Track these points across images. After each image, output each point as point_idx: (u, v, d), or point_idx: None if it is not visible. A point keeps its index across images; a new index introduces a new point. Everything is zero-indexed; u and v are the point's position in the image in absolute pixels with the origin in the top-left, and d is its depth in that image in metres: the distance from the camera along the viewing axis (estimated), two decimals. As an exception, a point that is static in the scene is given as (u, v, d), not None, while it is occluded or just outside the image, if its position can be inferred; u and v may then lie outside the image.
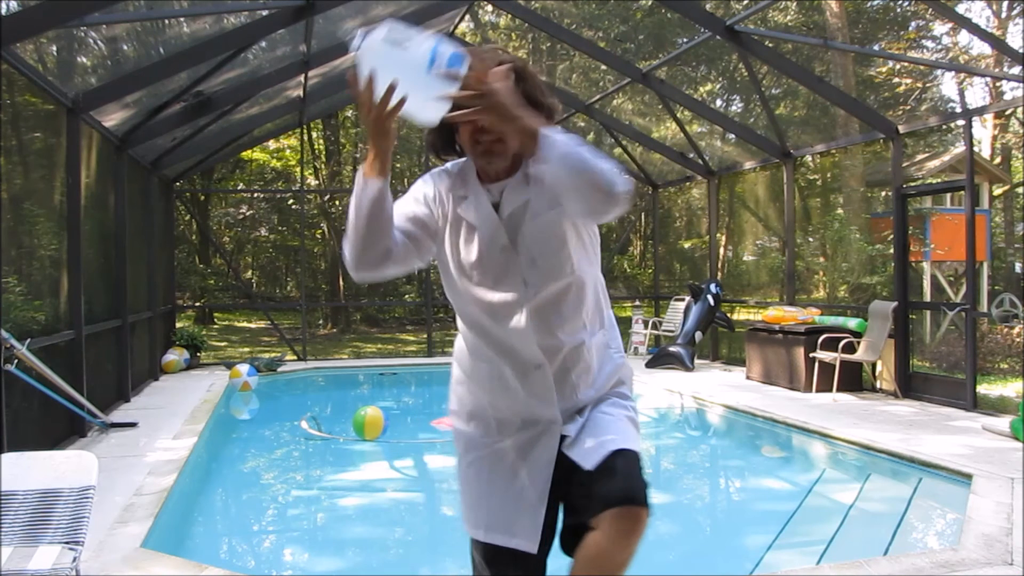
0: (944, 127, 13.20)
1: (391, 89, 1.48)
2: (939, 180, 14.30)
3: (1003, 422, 5.94)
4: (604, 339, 1.88)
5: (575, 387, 1.81)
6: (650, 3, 14.13)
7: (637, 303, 12.97)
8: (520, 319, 1.75)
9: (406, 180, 20.12)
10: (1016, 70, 7.19)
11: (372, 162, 1.60)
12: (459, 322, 1.90)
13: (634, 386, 2.00)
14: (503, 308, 1.75)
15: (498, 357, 1.82)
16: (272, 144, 17.10)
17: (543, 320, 1.75)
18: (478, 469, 1.86)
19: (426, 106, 1.50)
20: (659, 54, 13.85)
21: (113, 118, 7.05)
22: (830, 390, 7.64)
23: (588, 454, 1.72)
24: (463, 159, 1.83)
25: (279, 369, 10.00)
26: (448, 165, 1.85)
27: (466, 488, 1.89)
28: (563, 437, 1.80)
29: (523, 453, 1.81)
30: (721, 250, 11.92)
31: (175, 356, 9.81)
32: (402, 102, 1.50)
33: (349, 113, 18.50)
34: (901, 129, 7.88)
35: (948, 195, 13.96)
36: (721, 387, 8.36)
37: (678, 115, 10.37)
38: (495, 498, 1.82)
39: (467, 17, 10.29)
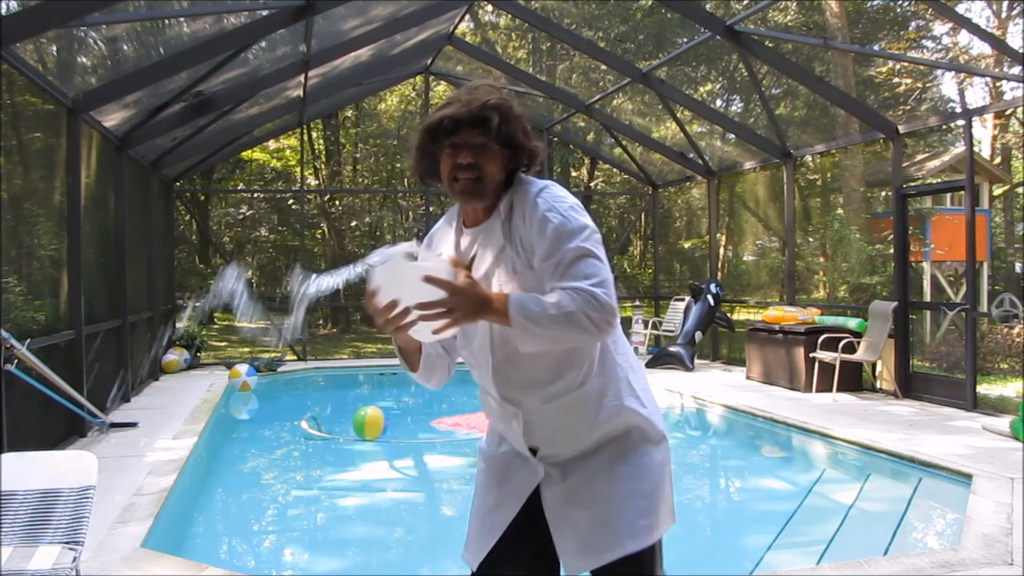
0: (944, 127, 13.20)
1: (394, 305, 1.51)
2: (939, 180, 14.30)
3: (1003, 422, 5.94)
4: (595, 391, 1.73)
5: (552, 440, 1.76)
6: (650, 3, 14.13)
7: (637, 303, 12.97)
8: (487, 371, 1.74)
9: (406, 180, 20.13)
10: (1016, 70, 7.19)
11: (403, 354, 1.76)
12: None
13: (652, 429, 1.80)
14: (477, 356, 1.76)
15: (484, 398, 1.87)
16: (272, 144, 17.09)
17: (510, 373, 1.72)
18: (477, 483, 1.93)
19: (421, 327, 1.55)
20: (659, 54, 13.84)
21: (113, 118, 7.05)
22: (830, 390, 7.64)
23: (569, 555, 1.71)
24: (448, 212, 1.87)
25: (279, 369, 10.00)
26: (437, 224, 1.88)
27: None
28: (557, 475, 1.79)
29: (504, 477, 1.84)
30: (721, 250, 11.92)
31: (175, 356, 9.81)
32: (406, 312, 1.51)
33: (349, 113, 18.50)
34: (901, 129, 7.88)
35: (948, 195, 13.96)
36: (721, 387, 8.36)
37: (678, 115, 10.36)
38: (473, 511, 1.89)
39: (467, 17, 10.29)
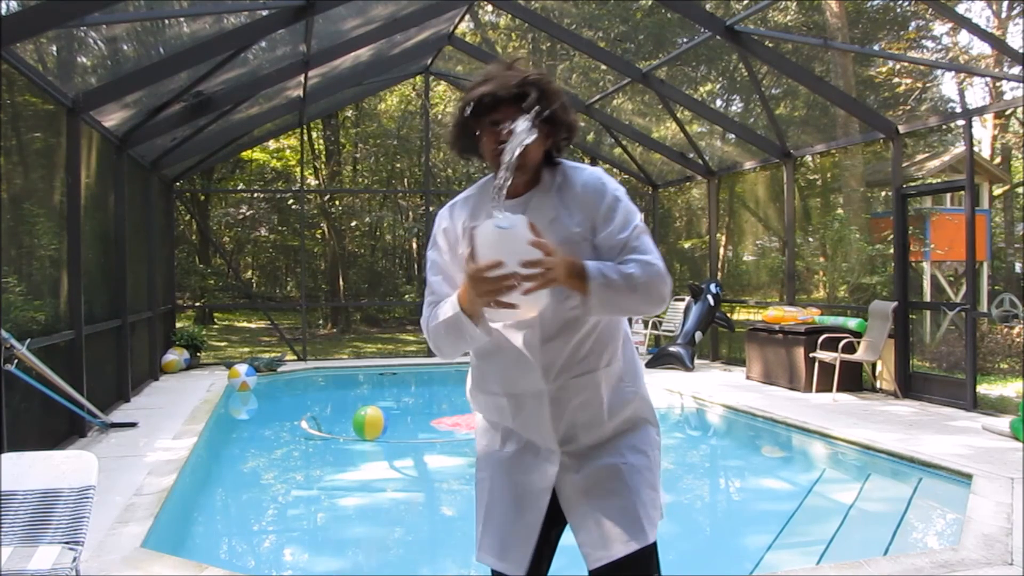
0: (944, 127, 13.21)
1: (496, 267, 1.49)
2: (939, 180, 14.31)
3: (1003, 422, 5.94)
4: (616, 373, 1.79)
5: (574, 421, 1.75)
6: (650, 3, 14.13)
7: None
8: (531, 338, 1.71)
9: (406, 180, 20.12)
10: (1016, 70, 7.19)
11: (476, 318, 1.63)
12: (470, 351, 1.87)
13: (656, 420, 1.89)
14: (515, 327, 1.72)
15: (499, 386, 1.79)
16: (272, 144, 17.09)
17: (551, 344, 1.71)
18: (481, 489, 1.86)
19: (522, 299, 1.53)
20: (659, 54, 13.84)
21: (113, 118, 7.05)
22: (830, 390, 7.64)
23: (593, 546, 1.71)
24: (481, 181, 1.86)
25: (279, 369, 10.00)
26: (466, 192, 1.86)
27: (476, 506, 1.89)
28: (571, 464, 1.76)
29: (522, 478, 1.79)
30: (721, 250, 11.92)
31: (175, 356, 9.81)
32: (511, 274, 1.49)
33: (349, 113, 18.51)
34: (901, 129, 7.88)
35: (948, 195, 13.96)
36: (721, 387, 8.36)
37: (678, 115, 10.36)
38: (493, 520, 1.81)
39: (467, 17, 10.29)
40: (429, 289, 1.80)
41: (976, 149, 15.99)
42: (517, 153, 1.56)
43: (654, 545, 1.75)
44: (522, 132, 1.56)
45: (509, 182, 1.57)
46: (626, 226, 1.68)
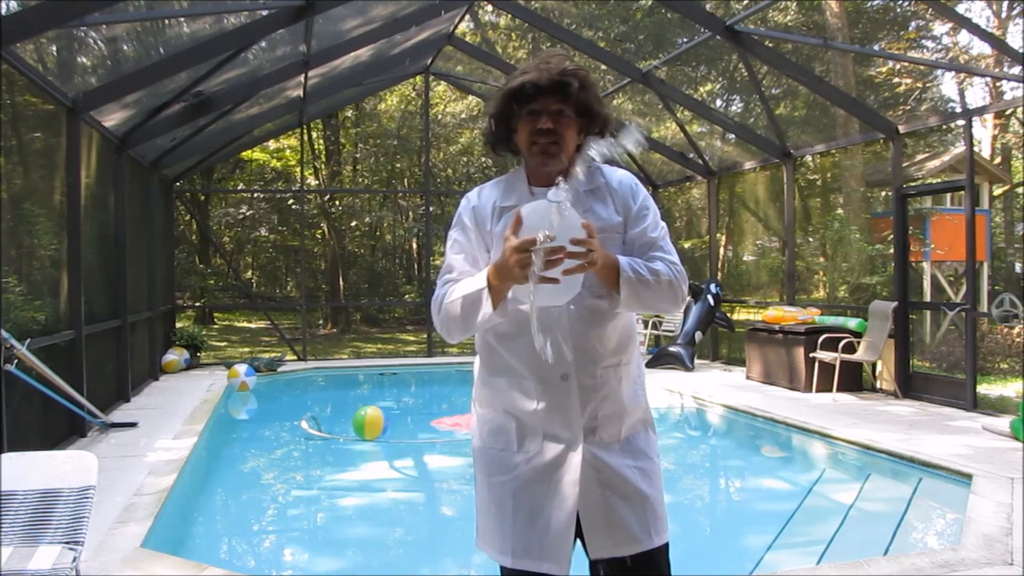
0: (944, 127, 13.20)
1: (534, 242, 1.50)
2: (939, 180, 14.30)
3: (1003, 422, 5.94)
4: (632, 372, 1.83)
5: (597, 413, 1.74)
6: (650, 3, 14.13)
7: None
8: (560, 321, 1.70)
9: (406, 180, 20.12)
10: (1016, 70, 7.19)
11: (496, 293, 1.63)
12: (479, 339, 1.84)
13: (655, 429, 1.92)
14: (541, 311, 1.70)
15: (527, 367, 1.75)
16: (272, 144, 17.09)
17: (578, 329, 1.71)
18: (502, 492, 1.78)
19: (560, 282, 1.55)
20: (659, 54, 13.84)
21: (113, 118, 7.05)
22: (830, 390, 7.64)
23: (602, 543, 1.72)
24: (509, 173, 1.87)
25: (279, 369, 10.00)
26: (495, 179, 1.89)
27: (489, 511, 1.81)
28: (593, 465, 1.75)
29: (548, 475, 1.74)
30: (721, 250, 11.92)
31: (175, 356, 9.81)
32: (560, 248, 1.51)
33: (349, 113, 18.51)
34: (901, 129, 7.88)
35: (948, 195, 13.96)
36: (721, 387, 8.35)
37: (678, 115, 10.36)
38: (521, 523, 1.74)
39: (467, 17, 10.29)
40: (447, 267, 1.80)
41: (976, 149, 15.98)
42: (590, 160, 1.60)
43: (667, 547, 1.77)
44: (630, 141, 1.59)
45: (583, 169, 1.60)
46: (656, 226, 1.79)
